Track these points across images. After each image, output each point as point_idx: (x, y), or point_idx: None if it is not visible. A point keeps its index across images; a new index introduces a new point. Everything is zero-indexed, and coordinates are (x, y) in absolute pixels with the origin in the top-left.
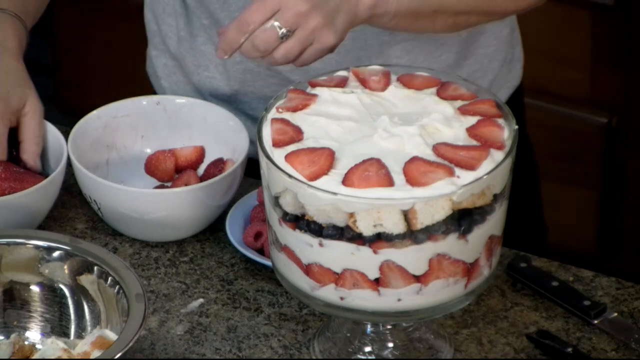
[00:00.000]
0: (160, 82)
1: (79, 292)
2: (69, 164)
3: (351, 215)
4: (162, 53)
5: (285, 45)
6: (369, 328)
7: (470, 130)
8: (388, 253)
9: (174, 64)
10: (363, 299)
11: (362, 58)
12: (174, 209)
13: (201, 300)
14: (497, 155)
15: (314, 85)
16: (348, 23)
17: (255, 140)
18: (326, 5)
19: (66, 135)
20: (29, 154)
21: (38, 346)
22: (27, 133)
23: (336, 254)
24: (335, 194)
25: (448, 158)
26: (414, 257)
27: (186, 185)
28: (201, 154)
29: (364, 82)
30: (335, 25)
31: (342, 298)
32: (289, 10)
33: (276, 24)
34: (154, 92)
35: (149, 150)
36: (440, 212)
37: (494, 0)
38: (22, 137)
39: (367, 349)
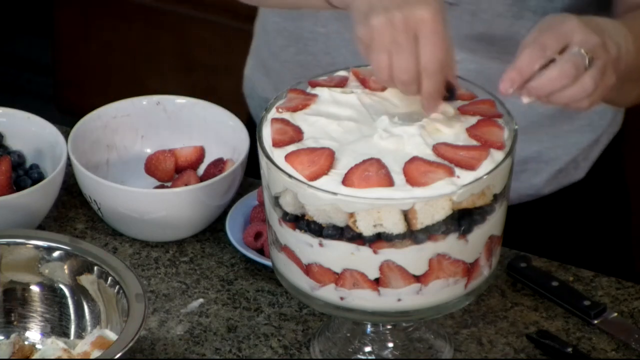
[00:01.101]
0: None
1: (79, 292)
2: (69, 164)
3: (351, 215)
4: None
5: (591, 76)
6: (369, 328)
7: (470, 130)
8: (388, 253)
9: None
10: (363, 299)
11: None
12: (174, 209)
13: (201, 300)
14: (497, 155)
15: (314, 85)
16: (623, 67)
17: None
18: (610, 43)
19: (66, 135)
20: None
21: (38, 346)
22: None
23: (336, 254)
24: (335, 194)
25: (448, 158)
26: (414, 257)
27: (186, 185)
28: (201, 154)
29: (364, 82)
30: (620, 65)
31: (342, 298)
32: (588, 40)
33: (582, 50)
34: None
35: (149, 150)
36: (440, 212)
37: None
38: None
39: (367, 349)
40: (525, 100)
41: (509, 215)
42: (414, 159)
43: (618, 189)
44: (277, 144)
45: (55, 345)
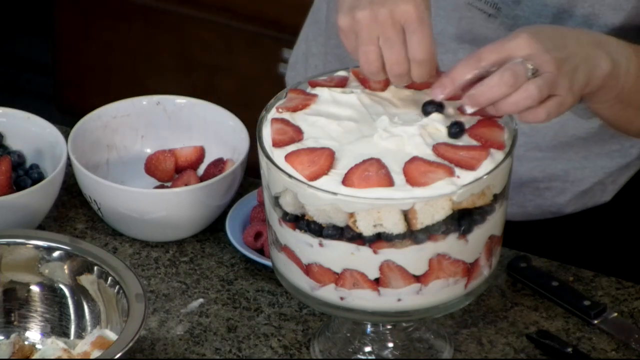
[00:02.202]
0: None
1: (79, 292)
2: (69, 164)
3: (351, 215)
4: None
5: (535, 83)
6: (369, 328)
7: (470, 130)
8: (388, 253)
9: None
10: (363, 299)
11: None
12: (174, 209)
13: (201, 300)
14: (497, 155)
15: (314, 85)
16: (584, 85)
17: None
18: (567, 60)
19: (66, 135)
20: None
21: (38, 346)
22: None
23: (336, 254)
24: (335, 194)
25: (448, 158)
26: (414, 257)
27: (186, 185)
28: (201, 154)
29: (364, 82)
30: (574, 83)
31: (342, 298)
32: (535, 55)
33: (525, 62)
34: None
35: (149, 150)
36: (440, 212)
37: None
38: None
39: (367, 349)
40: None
41: (531, 229)
42: (414, 159)
43: None
44: (277, 144)
45: (55, 345)
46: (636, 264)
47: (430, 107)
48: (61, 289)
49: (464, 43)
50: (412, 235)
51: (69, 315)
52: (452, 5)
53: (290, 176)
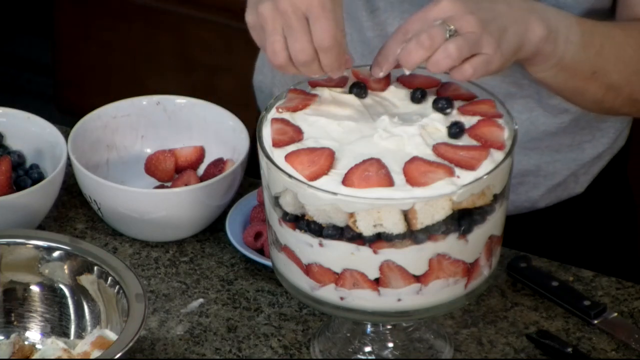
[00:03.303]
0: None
1: (79, 292)
2: (69, 164)
3: (351, 215)
4: None
5: (454, 42)
6: (369, 328)
7: (470, 130)
8: (388, 253)
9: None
10: (363, 299)
11: None
12: (174, 209)
13: (201, 300)
14: (497, 155)
15: (314, 85)
16: (515, 46)
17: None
18: (494, 20)
19: (66, 135)
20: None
21: (38, 346)
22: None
23: (336, 254)
24: (335, 194)
25: (448, 158)
26: (414, 257)
27: (186, 185)
28: (201, 154)
29: (364, 82)
30: (502, 42)
31: (342, 298)
32: (457, 17)
33: (446, 24)
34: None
35: (149, 150)
36: (440, 212)
37: None
38: None
39: (367, 349)
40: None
41: (506, 225)
42: (414, 159)
43: (620, 203)
44: (277, 144)
45: (55, 345)
46: (636, 264)
47: (441, 103)
48: (61, 289)
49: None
50: (412, 235)
51: (69, 315)
52: (416, 8)
53: (290, 176)
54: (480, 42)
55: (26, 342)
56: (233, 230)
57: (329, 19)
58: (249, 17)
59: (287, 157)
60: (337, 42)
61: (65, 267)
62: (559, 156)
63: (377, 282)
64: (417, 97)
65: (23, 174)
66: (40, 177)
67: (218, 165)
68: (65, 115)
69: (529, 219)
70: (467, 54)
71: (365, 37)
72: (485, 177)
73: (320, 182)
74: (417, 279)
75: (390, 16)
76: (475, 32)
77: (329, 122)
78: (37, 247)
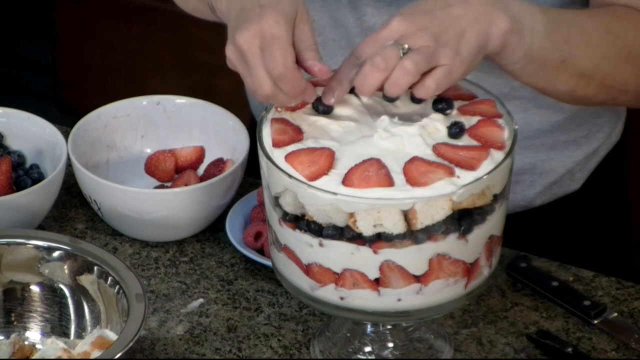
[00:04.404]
0: None
1: (79, 292)
2: (69, 164)
3: (351, 215)
4: None
5: (409, 58)
6: (369, 328)
7: (470, 130)
8: (388, 253)
9: None
10: (363, 299)
11: None
12: (174, 209)
13: (201, 300)
14: (497, 155)
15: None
16: (478, 46)
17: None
18: (449, 29)
19: (66, 135)
20: (311, 59)
21: (38, 346)
22: (303, 41)
23: (336, 254)
24: (335, 194)
25: (448, 158)
26: (414, 257)
27: (186, 185)
28: (201, 154)
29: None
30: (461, 48)
31: (342, 298)
32: (408, 35)
33: (397, 43)
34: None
35: (149, 150)
36: (440, 212)
37: (617, 71)
38: (297, 47)
39: (367, 349)
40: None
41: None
42: (414, 159)
43: (616, 199)
44: (277, 144)
45: (55, 345)
46: (636, 264)
47: (441, 105)
48: (61, 289)
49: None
50: (412, 235)
51: (69, 315)
52: None
53: (290, 176)
54: (436, 54)
55: (26, 342)
56: (233, 230)
57: (277, 48)
58: (227, 64)
59: (287, 157)
60: (287, 68)
61: (65, 267)
62: (554, 153)
63: (377, 282)
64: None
65: (23, 174)
66: (40, 177)
67: (218, 165)
68: (65, 115)
69: (526, 218)
70: (424, 68)
71: (354, 44)
72: (485, 177)
73: (320, 182)
74: (417, 279)
75: (377, 22)
76: (430, 45)
77: (329, 122)
78: (37, 247)
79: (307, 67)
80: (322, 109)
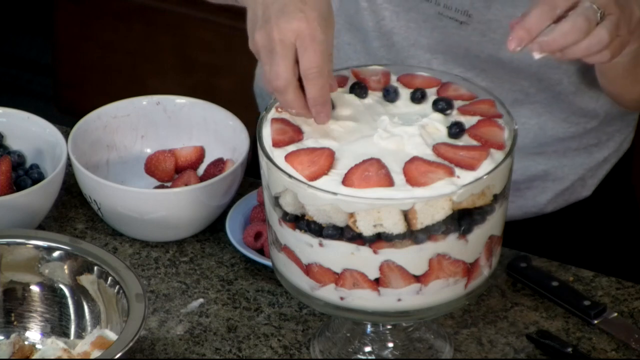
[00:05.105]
0: None
1: (79, 292)
2: (69, 164)
3: (351, 215)
4: None
5: (605, 28)
6: (369, 328)
7: (470, 130)
8: (388, 253)
9: None
10: (363, 299)
11: None
12: (174, 209)
13: (201, 300)
14: (497, 155)
15: None
16: (637, 24)
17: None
18: (628, 3)
19: (66, 135)
20: (329, 73)
21: (38, 346)
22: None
23: (336, 254)
24: (335, 194)
25: (448, 158)
26: (414, 257)
27: (186, 185)
28: (201, 154)
29: (364, 82)
30: (631, 22)
31: (342, 298)
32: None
33: (593, 5)
34: (255, 111)
35: (149, 150)
36: (440, 212)
37: None
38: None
39: (367, 349)
40: (537, 55)
41: (512, 229)
42: (414, 159)
43: (626, 205)
44: (277, 144)
45: (55, 345)
46: (636, 264)
47: (441, 104)
48: (61, 289)
49: (437, 54)
50: (412, 235)
51: (69, 315)
52: (423, 16)
53: (290, 176)
54: (619, 24)
55: (26, 342)
56: (233, 230)
57: (316, 50)
58: (250, 46)
59: (287, 157)
60: (321, 74)
61: (65, 267)
62: (567, 161)
63: (377, 282)
64: (417, 97)
65: (23, 174)
66: (40, 177)
67: (218, 165)
68: (65, 115)
69: (536, 223)
70: (614, 39)
71: (371, 47)
72: (485, 177)
73: (320, 182)
74: (417, 279)
75: (396, 26)
76: (616, 14)
77: (329, 122)
78: (37, 247)
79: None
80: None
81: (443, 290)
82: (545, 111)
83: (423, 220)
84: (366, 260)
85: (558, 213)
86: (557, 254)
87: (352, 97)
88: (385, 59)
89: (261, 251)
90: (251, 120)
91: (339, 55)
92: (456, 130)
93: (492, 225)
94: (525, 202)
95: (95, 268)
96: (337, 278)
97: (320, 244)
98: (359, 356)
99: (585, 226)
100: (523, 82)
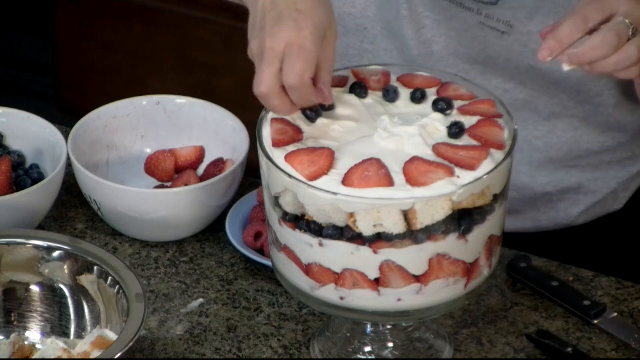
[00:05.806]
0: None
1: (79, 292)
2: (69, 164)
3: (351, 215)
4: None
5: (635, 44)
6: (369, 328)
7: (470, 130)
8: (388, 253)
9: None
10: (363, 299)
11: (528, 120)
12: (174, 209)
13: (201, 300)
14: (497, 155)
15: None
16: None
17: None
18: None
19: (66, 135)
20: (324, 83)
21: (38, 346)
22: (325, 61)
23: (336, 254)
24: (335, 194)
25: (448, 158)
26: (414, 257)
27: (186, 185)
28: (201, 154)
29: (364, 82)
30: None
31: (342, 298)
32: (631, 12)
33: (626, 20)
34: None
35: (149, 150)
36: (440, 212)
37: None
38: (318, 63)
39: (367, 349)
40: (566, 67)
41: (543, 240)
42: (414, 159)
43: None
44: (277, 144)
45: (55, 345)
46: (636, 264)
47: (441, 104)
48: (61, 289)
49: (476, 64)
50: (412, 235)
51: (69, 315)
52: (464, 26)
53: (290, 176)
54: None
55: (26, 342)
56: (233, 230)
57: (301, 58)
58: (248, 52)
59: (287, 157)
60: (303, 82)
61: (65, 267)
62: (600, 174)
63: (377, 282)
64: (417, 97)
65: (23, 174)
66: (40, 177)
67: (218, 165)
68: (65, 115)
69: (566, 235)
70: None
71: (410, 56)
72: (485, 177)
73: (320, 182)
74: (417, 279)
75: (435, 35)
76: None
77: (329, 122)
78: (37, 247)
79: (316, 89)
80: (310, 114)
81: (443, 290)
82: (581, 125)
83: (423, 220)
84: (366, 260)
85: (589, 225)
86: (557, 254)
87: (352, 97)
88: (422, 68)
89: (261, 251)
90: (251, 120)
91: (375, 61)
92: (456, 130)
93: (492, 225)
94: (557, 214)
95: (95, 268)
96: (337, 278)
97: (320, 244)
98: (359, 356)
99: (616, 239)
100: (562, 95)
